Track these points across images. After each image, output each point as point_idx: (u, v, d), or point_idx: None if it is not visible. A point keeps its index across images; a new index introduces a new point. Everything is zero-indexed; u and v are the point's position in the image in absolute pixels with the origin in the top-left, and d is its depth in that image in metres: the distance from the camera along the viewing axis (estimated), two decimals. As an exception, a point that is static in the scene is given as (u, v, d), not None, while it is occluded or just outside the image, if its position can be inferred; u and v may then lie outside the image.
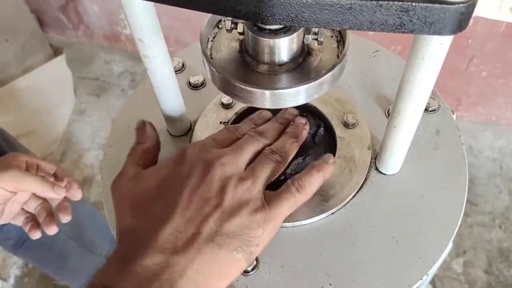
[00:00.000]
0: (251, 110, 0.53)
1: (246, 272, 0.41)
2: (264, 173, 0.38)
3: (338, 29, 0.37)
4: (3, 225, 0.80)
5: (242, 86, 0.35)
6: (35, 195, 0.61)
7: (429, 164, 0.47)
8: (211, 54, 0.39)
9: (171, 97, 0.46)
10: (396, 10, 0.30)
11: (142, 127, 0.43)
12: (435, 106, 0.51)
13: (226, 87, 0.36)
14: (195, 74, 0.56)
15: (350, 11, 0.30)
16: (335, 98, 0.51)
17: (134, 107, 0.55)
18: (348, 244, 0.43)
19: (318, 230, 0.44)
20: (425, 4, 0.29)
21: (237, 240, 0.34)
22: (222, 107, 0.52)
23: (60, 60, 1.65)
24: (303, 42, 0.37)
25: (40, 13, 1.75)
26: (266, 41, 0.35)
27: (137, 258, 0.33)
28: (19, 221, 0.64)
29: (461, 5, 0.29)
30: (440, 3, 0.29)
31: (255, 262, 0.42)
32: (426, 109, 0.51)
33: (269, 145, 0.41)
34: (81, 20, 1.76)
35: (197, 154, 0.38)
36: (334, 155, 0.48)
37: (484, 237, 1.27)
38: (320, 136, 0.49)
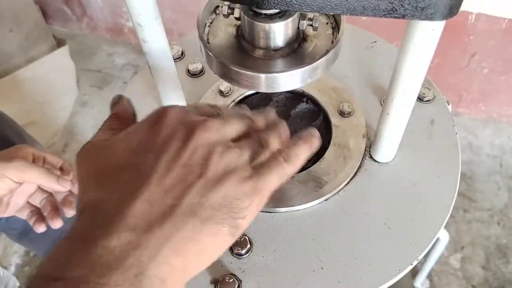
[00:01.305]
0: (248, 98, 0.53)
1: (239, 255, 0.42)
2: (250, 149, 0.33)
3: (331, 13, 0.38)
4: (7, 217, 0.81)
5: (238, 70, 0.35)
6: (40, 189, 0.62)
7: (422, 153, 0.48)
8: (208, 39, 0.39)
9: (169, 82, 0.47)
10: (388, -5, 0.30)
11: (118, 100, 0.37)
12: (430, 96, 0.51)
13: (222, 71, 0.37)
14: (194, 62, 0.56)
15: (344, -4, 0.31)
16: (331, 87, 0.52)
17: (133, 94, 0.56)
18: (340, 229, 0.44)
19: (312, 216, 0.45)
20: (417, -11, 0.30)
21: (222, 212, 0.30)
22: (220, 94, 0.53)
23: (64, 51, 1.66)
24: (298, 27, 0.37)
25: (44, 4, 1.76)
26: (262, 26, 0.36)
27: (99, 239, 0.27)
28: (24, 214, 0.64)
29: (452, -10, 0.29)
30: (431, -12, 0.29)
31: (249, 245, 0.42)
32: (421, 99, 0.51)
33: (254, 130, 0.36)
34: (84, 12, 1.77)
35: (178, 116, 0.33)
36: (329, 142, 0.48)
37: (482, 233, 1.27)
38: (317, 124, 0.50)
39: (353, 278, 0.40)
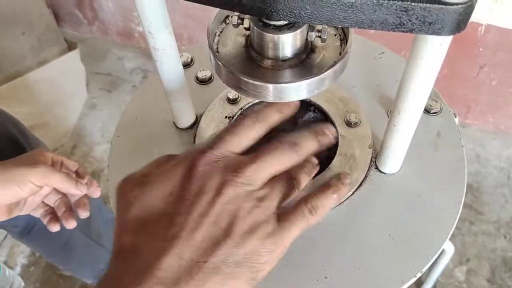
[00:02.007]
0: (255, 105, 0.54)
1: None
2: (279, 192, 0.34)
3: (339, 26, 0.38)
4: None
5: (246, 80, 0.36)
6: (55, 190, 0.64)
7: (428, 165, 0.48)
8: (217, 48, 0.40)
9: (178, 89, 0.47)
10: (396, 9, 0.31)
11: None
12: (437, 109, 0.52)
13: (231, 81, 0.37)
14: (203, 69, 0.57)
15: (352, 9, 0.31)
16: (339, 97, 0.52)
17: (143, 99, 0.57)
18: (345, 239, 0.44)
19: (316, 225, 0.45)
20: (424, 4, 0.30)
21: (244, 268, 0.31)
22: (228, 102, 0.53)
23: (74, 54, 1.68)
24: (306, 39, 0.38)
25: (56, 8, 1.78)
26: (271, 37, 0.36)
27: (129, 286, 0.29)
28: (38, 213, 0.66)
29: (460, 6, 0.30)
30: (439, 3, 0.30)
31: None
32: (428, 111, 0.52)
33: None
34: (95, 16, 1.79)
35: (210, 168, 0.33)
36: (335, 152, 0.49)
37: (488, 246, 1.26)
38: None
39: (363, 284, 0.41)
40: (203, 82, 0.57)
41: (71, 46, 1.74)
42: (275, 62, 0.38)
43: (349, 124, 0.50)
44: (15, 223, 0.90)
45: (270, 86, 0.36)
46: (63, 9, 1.80)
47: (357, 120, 0.50)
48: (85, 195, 0.65)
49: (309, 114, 0.53)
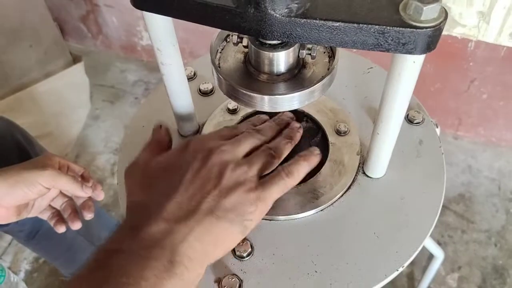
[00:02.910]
0: (254, 115, 0.58)
1: (241, 257, 0.47)
2: (259, 162, 0.42)
3: (326, 45, 0.43)
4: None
5: (245, 92, 0.41)
6: (62, 193, 0.68)
7: (411, 170, 0.53)
8: (219, 63, 0.44)
9: (182, 100, 0.52)
10: (374, 32, 0.35)
11: (158, 127, 0.48)
12: (419, 119, 0.56)
13: (231, 92, 0.42)
14: (205, 82, 0.62)
15: (336, 31, 0.36)
16: (330, 108, 0.57)
17: (149, 109, 0.61)
18: (334, 237, 0.48)
19: (308, 224, 0.49)
20: (398, 28, 0.35)
21: (233, 214, 0.38)
22: (228, 112, 0.58)
23: (79, 67, 1.73)
24: (298, 56, 0.42)
25: (62, 22, 1.84)
26: (266, 54, 0.41)
27: (144, 226, 0.37)
28: (45, 216, 0.69)
29: (428, 29, 0.34)
30: (411, 27, 0.35)
31: (250, 249, 0.47)
32: (411, 121, 0.56)
33: (266, 142, 0.45)
34: (100, 31, 1.84)
35: (199, 143, 0.43)
36: (326, 158, 0.53)
37: (479, 254, 1.30)
38: (315, 141, 0.55)
39: (344, 281, 0.45)
40: (205, 94, 0.62)
41: (76, 59, 1.79)
42: (270, 76, 0.43)
43: (338, 132, 0.55)
44: (20, 227, 0.93)
45: (266, 98, 0.40)
46: (69, 24, 1.86)
47: (346, 129, 0.55)
48: (90, 198, 0.69)
49: (303, 124, 0.57)
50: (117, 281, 0.34)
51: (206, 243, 0.37)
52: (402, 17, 0.35)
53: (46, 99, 1.58)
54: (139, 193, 0.41)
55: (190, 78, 0.63)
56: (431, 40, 0.35)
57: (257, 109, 0.42)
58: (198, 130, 0.58)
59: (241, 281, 0.45)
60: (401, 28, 0.35)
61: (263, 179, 0.42)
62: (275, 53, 0.41)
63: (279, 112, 0.50)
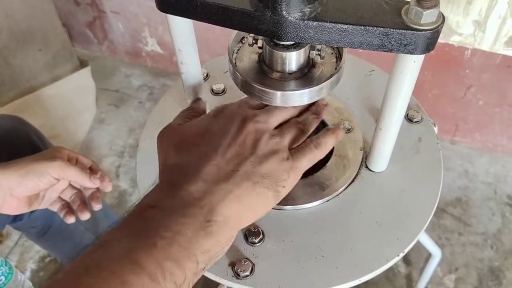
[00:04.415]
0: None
1: (253, 243, 0.50)
2: (290, 134, 0.45)
3: (335, 46, 0.47)
4: (30, 213, 0.89)
5: (259, 87, 0.44)
6: (71, 185, 0.70)
7: (411, 165, 0.56)
8: (235, 62, 0.48)
9: (199, 96, 0.56)
10: (379, 34, 0.39)
11: (197, 100, 0.51)
12: (418, 118, 0.60)
13: (246, 88, 0.46)
14: (217, 83, 0.66)
15: (345, 33, 0.40)
16: (335, 108, 0.61)
17: (165, 108, 0.65)
18: (339, 225, 0.52)
19: (315, 214, 0.53)
20: (401, 30, 0.39)
21: (268, 180, 0.40)
22: (239, 110, 0.62)
23: (86, 71, 1.77)
24: (308, 56, 0.46)
25: (70, 27, 1.88)
26: (280, 54, 0.45)
27: (183, 185, 0.38)
28: (55, 207, 0.72)
29: (428, 32, 0.38)
30: (412, 29, 0.38)
31: (261, 236, 0.50)
32: (410, 120, 0.60)
33: (295, 117, 0.48)
34: (106, 36, 1.88)
35: (234, 110, 0.45)
36: (331, 154, 0.57)
37: (476, 256, 1.33)
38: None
39: (349, 264, 0.48)
40: (217, 93, 0.65)
41: (83, 64, 1.83)
42: (283, 74, 0.46)
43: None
44: (32, 223, 0.96)
45: (279, 93, 0.44)
46: (76, 29, 1.90)
47: (350, 127, 0.59)
48: (98, 189, 0.70)
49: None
50: (154, 233, 0.35)
51: (243, 206, 0.39)
52: (404, 20, 0.39)
53: (54, 102, 1.62)
54: (176, 155, 0.42)
55: (204, 79, 0.67)
56: (430, 42, 0.39)
57: (270, 104, 0.45)
58: (211, 127, 0.61)
59: (253, 264, 0.48)
60: (403, 31, 0.39)
61: (294, 149, 0.44)
62: (287, 53, 0.45)
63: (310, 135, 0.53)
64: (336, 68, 0.47)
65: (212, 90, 0.66)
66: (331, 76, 0.45)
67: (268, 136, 0.43)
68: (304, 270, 0.48)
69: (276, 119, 0.46)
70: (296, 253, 0.49)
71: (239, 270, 0.47)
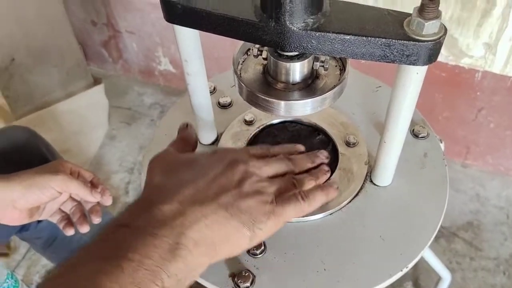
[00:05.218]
0: (268, 127, 0.63)
1: (254, 254, 0.50)
2: (279, 184, 0.43)
3: (338, 56, 0.48)
4: (38, 223, 0.90)
5: (263, 97, 0.45)
6: (71, 198, 0.71)
7: (416, 180, 0.56)
8: (240, 73, 0.49)
9: (204, 108, 0.56)
10: (381, 45, 0.40)
11: (184, 126, 0.50)
12: (424, 134, 0.60)
13: (250, 98, 0.46)
14: (224, 96, 0.66)
15: (347, 43, 0.40)
16: (340, 122, 0.61)
17: (172, 119, 0.66)
18: (342, 239, 0.51)
19: (318, 226, 0.52)
20: (402, 41, 0.39)
21: (245, 216, 0.39)
22: (245, 123, 0.62)
23: (99, 88, 1.80)
24: (312, 67, 0.47)
25: (85, 46, 1.93)
26: (284, 64, 0.45)
27: (157, 204, 0.37)
28: (55, 219, 0.72)
29: (429, 42, 0.39)
30: (414, 40, 0.39)
31: (263, 247, 0.50)
32: (416, 135, 0.60)
33: (294, 173, 0.47)
34: (120, 56, 1.92)
35: (231, 152, 0.45)
36: (336, 167, 0.57)
37: (488, 282, 1.29)
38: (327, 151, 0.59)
39: (351, 278, 0.47)
40: (224, 106, 0.66)
41: (96, 81, 1.87)
42: (287, 85, 0.47)
43: (348, 144, 0.59)
44: (38, 234, 0.96)
45: (282, 103, 0.45)
46: (92, 48, 1.94)
47: (355, 141, 0.59)
48: (98, 203, 0.70)
49: (315, 136, 0.61)
50: (121, 255, 0.34)
51: (216, 234, 0.38)
52: (406, 31, 0.39)
53: (67, 118, 1.65)
54: (160, 178, 0.42)
55: (211, 92, 0.67)
56: (432, 53, 0.40)
57: (274, 114, 0.46)
58: (217, 139, 0.62)
59: (254, 276, 0.48)
60: (405, 41, 0.39)
61: (280, 197, 0.43)
62: (291, 64, 0.45)
63: (314, 147, 0.54)
64: (339, 80, 0.47)
65: (219, 103, 0.66)
66: (334, 86, 0.45)
67: (256, 179, 0.42)
68: (306, 283, 0.47)
69: (271, 169, 0.45)
70: (298, 265, 0.49)
71: (239, 281, 0.47)
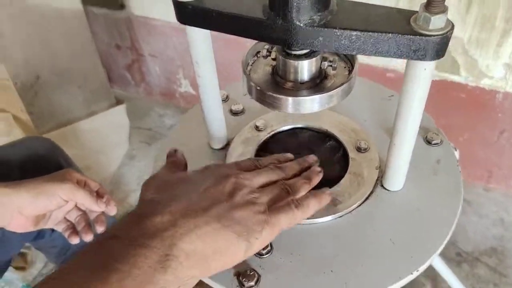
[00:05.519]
0: (279, 134, 0.63)
1: (260, 254, 0.49)
2: (271, 193, 0.44)
3: (345, 53, 0.48)
4: (52, 231, 0.91)
5: (271, 94, 0.45)
6: (77, 207, 0.72)
7: (428, 186, 0.55)
8: (249, 74, 0.50)
9: (215, 111, 0.57)
10: (387, 40, 0.40)
11: (173, 153, 0.50)
12: (437, 141, 0.59)
13: (259, 96, 0.47)
14: (236, 104, 0.67)
15: (354, 39, 0.41)
16: (351, 128, 0.61)
17: (184, 127, 0.67)
18: (350, 241, 0.50)
19: (326, 229, 0.51)
20: (409, 36, 0.39)
21: (240, 227, 0.39)
22: (256, 129, 0.63)
23: (121, 108, 1.84)
24: (320, 67, 0.47)
25: (109, 70, 1.99)
26: (292, 63, 0.46)
27: (149, 216, 0.37)
28: (60, 228, 0.73)
29: (437, 37, 0.39)
30: (420, 35, 0.39)
31: (269, 247, 0.49)
32: (429, 142, 0.59)
33: (285, 179, 0.47)
34: (143, 79, 1.98)
35: (221, 167, 0.46)
36: (345, 172, 0.56)
37: (513, 310, 1.23)
38: (336, 158, 0.58)
39: (359, 280, 0.46)
40: (236, 114, 0.67)
41: (118, 102, 1.91)
42: (295, 84, 0.47)
43: (359, 149, 0.58)
44: (53, 243, 0.97)
45: (290, 99, 0.45)
46: (115, 72, 2.00)
47: (366, 146, 0.58)
48: (103, 213, 0.71)
49: (326, 142, 0.61)
50: (110, 265, 0.34)
51: (208, 246, 0.37)
52: (413, 27, 0.39)
53: (88, 136, 1.68)
54: (153, 193, 0.42)
55: (223, 100, 0.69)
56: (440, 47, 0.40)
57: (282, 111, 0.46)
58: (228, 144, 0.62)
59: (259, 275, 0.47)
60: (412, 36, 0.39)
61: (274, 206, 0.43)
62: (299, 62, 0.46)
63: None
64: (347, 79, 0.47)
65: (231, 110, 0.67)
66: (342, 84, 0.45)
67: (248, 190, 0.43)
68: (312, 284, 0.46)
69: (261, 179, 0.45)
70: (305, 266, 0.48)
71: (244, 280, 0.46)
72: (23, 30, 1.35)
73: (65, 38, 1.51)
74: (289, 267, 0.48)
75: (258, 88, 0.46)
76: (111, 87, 1.99)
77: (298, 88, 0.47)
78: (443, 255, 0.95)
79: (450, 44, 0.40)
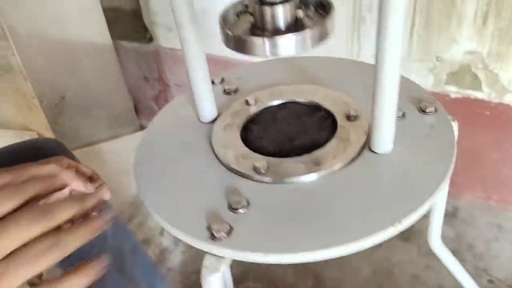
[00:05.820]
0: (269, 108, 0.62)
1: (235, 209, 0.47)
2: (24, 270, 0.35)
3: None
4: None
5: (247, 38, 0.45)
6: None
7: (420, 149, 0.51)
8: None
9: (201, 75, 0.57)
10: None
11: None
12: (432, 109, 0.56)
13: (237, 44, 0.46)
14: (230, 84, 0.68)
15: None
16: (344, 101, 0.59)
17: (179, 102, 0.68)
18: (333, 199, 0.47)
19: (308, 188, 0.49)
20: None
21: None
22: (246, 104, 0.62)
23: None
24: (296, 18, 0.47)
25: (137, 101, 2.06)
26: (267, 9, 0.46)
27: None
28: None
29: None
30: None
31: (245, 203, 0.47)
32: (423, 110, 0.56)
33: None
34: (169, 109, 2.03)
35: None
36: (332, 136, 0.54)
37: None
38: (323, 126, 0.56)
39: (338, 230, 0.43)
40: (229, 93, 0.67)
41: (142, 128, 1.97)
42: (272, 32, 0.47)
43: (348, 118, 0.56)
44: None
45: (267, 42, 0.44)
46: (143, 103, 2.07)
47: (356, 114, 0.56)
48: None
49: (316, 112, 0.60)
50: None
51: None
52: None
53: (110, 157, 1.72)
54: None
55: (219, 82, 0.69)
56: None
57: (260, 55, 0.45)
58: (217, 118, 0.62)
59: (231, 227, 0.45)
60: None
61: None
62: (274, 7, 0.45)
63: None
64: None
65: (225, 90, 0.67)
66: (317, 25, 0.45)
67: None
68: (286, 233, 0.43)
69: (10, 242, 0.35)
70: (280, 220, 0.45)
71: (214, 229, 0.44)
72: (54, 59, 1.44)
73: (95, 70, 1.60)
74: (263, 221, 0.45)
75: (235, 35, 0.46)
76: (138, 119, 2.05)
77: (275, 35, 0.47)
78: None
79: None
